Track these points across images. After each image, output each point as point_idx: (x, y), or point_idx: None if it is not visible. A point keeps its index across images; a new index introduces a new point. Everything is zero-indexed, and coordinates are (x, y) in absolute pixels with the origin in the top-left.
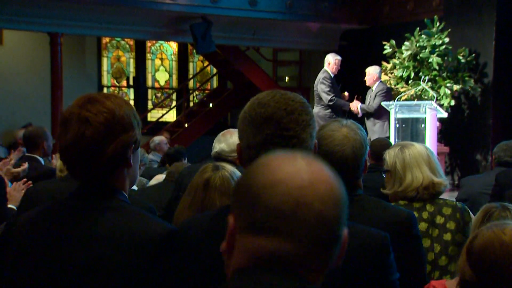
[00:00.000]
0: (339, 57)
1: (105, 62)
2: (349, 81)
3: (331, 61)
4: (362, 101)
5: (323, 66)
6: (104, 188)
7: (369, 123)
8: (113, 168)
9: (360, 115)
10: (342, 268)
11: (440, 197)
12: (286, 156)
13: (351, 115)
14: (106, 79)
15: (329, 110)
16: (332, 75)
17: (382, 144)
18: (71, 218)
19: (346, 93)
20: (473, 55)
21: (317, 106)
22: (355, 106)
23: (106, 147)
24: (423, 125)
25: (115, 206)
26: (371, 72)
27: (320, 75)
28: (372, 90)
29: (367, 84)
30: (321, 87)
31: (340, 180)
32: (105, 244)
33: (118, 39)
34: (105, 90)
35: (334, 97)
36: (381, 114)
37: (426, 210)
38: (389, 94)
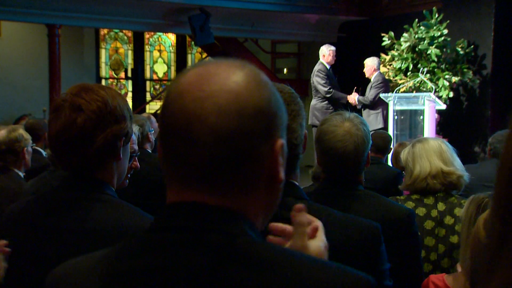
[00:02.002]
0: (333, 48)
1: (103, 54)
2: (348, 72)
3: (326, 53)
4: (363, 92)
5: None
6: (91, 180)
7: (364, 113)
8: (102, 159)
9: (359, 107)
10: (333, 257)
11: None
12: (203, 64)
13: (350, 106)
14: (104, 70)
15: (326, 102)
16: (328, 67)
17: (382, 137)
18: (57, 211)
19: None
20: (472, 46)
21: (314, 98)
22: (353, 98)
23: (96, 136)
24: (421, 117)
25: (102, 199)
26: (369, 63)
27: (316, 68)
28: (371, 81)
29: (366, 75)
30: (316, 79)
31: (260, 88)
32: (92, 238)
33: (116, 30)
34: (103, 81)
35: (331, 89)
36: (376, 105)
37: (437, 208)
38: (386, 85)
